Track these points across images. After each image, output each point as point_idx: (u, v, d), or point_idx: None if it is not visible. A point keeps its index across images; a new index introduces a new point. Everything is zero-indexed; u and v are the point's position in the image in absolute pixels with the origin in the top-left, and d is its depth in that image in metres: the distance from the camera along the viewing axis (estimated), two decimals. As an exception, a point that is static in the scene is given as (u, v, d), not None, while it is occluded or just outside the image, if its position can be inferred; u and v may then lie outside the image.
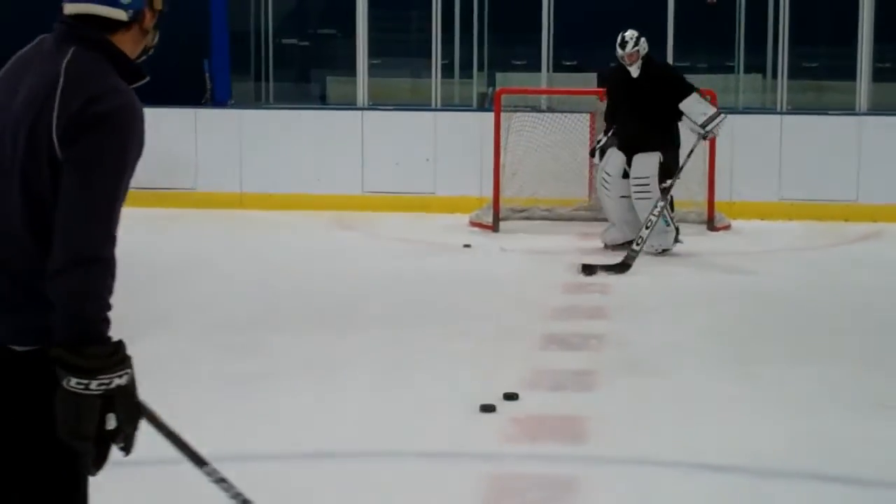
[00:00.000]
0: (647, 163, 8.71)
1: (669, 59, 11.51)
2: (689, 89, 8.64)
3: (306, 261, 8.64)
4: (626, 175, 8.83)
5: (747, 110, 11.52)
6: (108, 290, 2.29)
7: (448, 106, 11.77)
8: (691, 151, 8.67)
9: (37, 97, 2.32)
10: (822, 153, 10.68)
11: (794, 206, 10.61)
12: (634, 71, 8.86)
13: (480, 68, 12.24)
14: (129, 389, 2.36)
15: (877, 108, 11.18)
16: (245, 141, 11.31)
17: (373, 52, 11.68)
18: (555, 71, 11.87)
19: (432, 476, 4.18)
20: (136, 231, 7.97)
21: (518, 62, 12.25)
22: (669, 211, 8.67)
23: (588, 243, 9.36)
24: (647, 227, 8.33)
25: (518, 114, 10.43)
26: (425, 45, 11.79)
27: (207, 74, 11.79)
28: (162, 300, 7.23)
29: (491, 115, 10.24)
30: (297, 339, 6.16)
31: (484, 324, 6.49)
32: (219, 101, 11.72)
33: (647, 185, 8.69)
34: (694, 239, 9.45)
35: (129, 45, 2.47)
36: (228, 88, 11.85)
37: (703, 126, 8.51)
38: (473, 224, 10.12)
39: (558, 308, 6.99)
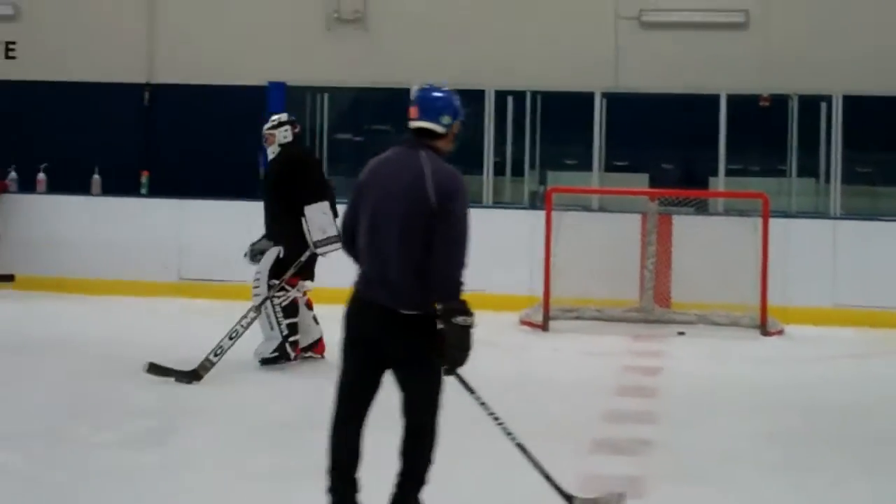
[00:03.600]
0: (265, 258, 8.03)
1: (721, 163, 11.53)
2: (320, 195, 7.89)
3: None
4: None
5: (801, 214, 11.46)
6: (464, 278, 4.32)
7: (499, 203, 11.82)
8: (300, 262, 7.90)
9: (412, 181, 4.34)
10: (877, 258, 10.57)
11: (848, 312, 10.47)
12: (270, 154, 8.25)
13: (532, 166, 12.30)
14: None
15: (931, 215, 11.09)
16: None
17: (426, 149, 11.76)
18: (606, 170, 11.91)
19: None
20: (188, 321, 8.06)
21: (570, 161, 12.31)
22: (279, 314, 7.94)
23: (639, 345, 9.29)
24: (230, 338, 7.58)
25: (569, 212, 10.44)
26: (478, 142, 11.88)
27: (263, 169, 11.95)
28: (204, 392, 7.24)
29: (542, 214, 10.27)
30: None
31: (533, 425, 6.40)
32: (273, 195, 11.83)
33: (258, 281, 8.01)
34: (747, 344, 9.37)
35: (444, 145, 4.54)
36: (283, 182, 11.96)
37: (315, 244, 7.79)
38: (524, 323, 10.08)
39: (609, 411, 6.91)
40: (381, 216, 4.37)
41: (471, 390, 4.56)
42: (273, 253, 8.00)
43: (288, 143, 8.21)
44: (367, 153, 14.33)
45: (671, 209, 10.66)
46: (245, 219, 11.41)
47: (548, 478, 4.59)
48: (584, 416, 6.67)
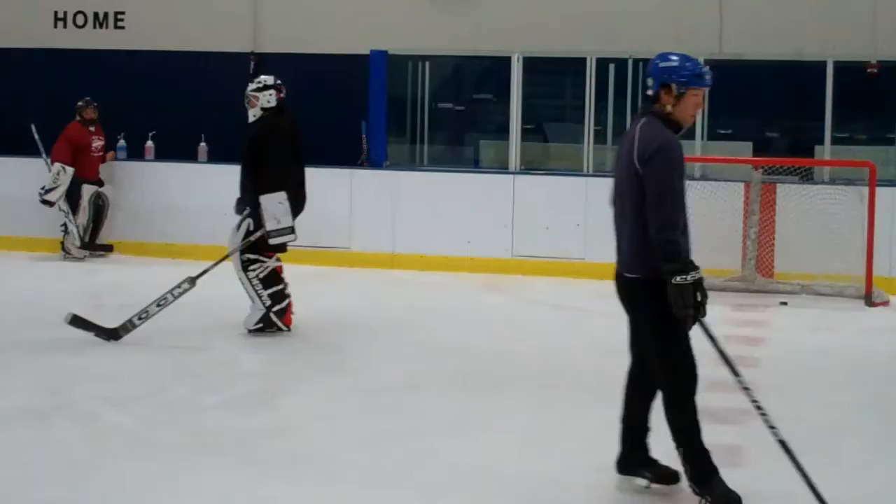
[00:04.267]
0: (236, 234, 7.89)
1: (828, 131, 11.32)
2: (282, 180, 7.73)
3: (454, 322, 8.70)
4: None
5: (908, 183, 11.21)
6: (677, 237, 4.50)
7: (600, 172, 11.78)
8: (249, 241, 7.76)
9: (628, 148, 4.62)
10: None
11: (957, 283, 10.27)
12: (251, 117, 8.05)
13: (633, 135, 12.18)
14: (702, 280, 4.48)
15: None
16: (399, 202, 11.52)
17: (526, 117, 11.79)
18: (709, 139, 11.77)
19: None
20: (290, 287, 8.21)
21: (672, 130, 12.16)
22: (257, 286, 7.81)
23: (741, 315, 9.20)
24: (158, 304, 7.54)
25: (671, 181, 10.33)
26: (579, 111, 11.84)
27: (364, 136, 12.07)
28: (311, 357, 7.37)
29: (643, 183, 10.17)
30: (443, 399, 6.22)
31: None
32: (374, 163, 11.96)
33: (235, 255, 7.88)
34: (851, 314, 9.24)
35: (662, 108, 4.67)
36: (384, 150, 12.09)
37: (269, 233, 7.65)
38: (623, 291, 10.04)
39: (710, 380, 6.86)
40: (615, 186, 4.76)
41: (735, 372, 4.76)
42: (244, 226, 7.86)
43: (270, 108, 8.00)
44: (468, 122, 14.48)
45: (775, 178, 10.51)
46: (348, 186, 11.64)
47: (808, 481, 4.50)
48: (683, 385, 6.63)
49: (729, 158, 11.32)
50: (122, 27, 13.40)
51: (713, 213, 10.32)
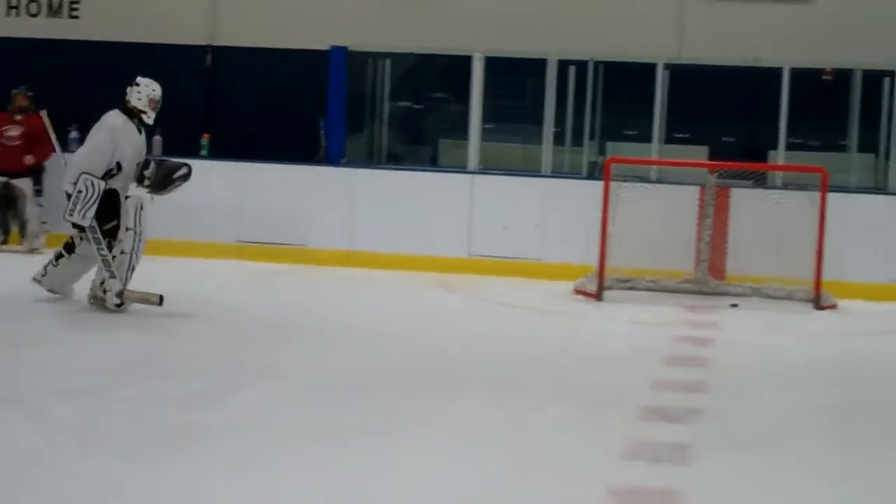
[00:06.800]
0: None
1: (782, 136, 11.46)
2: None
3: (409, 320, 8.73)
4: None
5: (859, 189, 11.38)
6: None
7: (558, 173, 11.85)
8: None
9: None
10: (934, 235, 10.52)
11: (904, 288, 10.46)
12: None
13: (591, 137, 12.30)
14: None
15: None
16: (356, 200, 11.53)
17: (486, 117, 11.84)
18: (666, 142, 11.88)
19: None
20: (245, 284, 8.23)
21: (629, 132, 12.29)
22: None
23: (692, 316, 9.31)
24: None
25: (627, 184, 10.44)
26: (538, 112, 11.90)
27: (323, 133, 12.06)
28: (264, 353, 7.38)
29: (600, 184, 10.28)
30: (396, 398, 6.23)
31: (584, 392, 6.50)
32: (332, 160, 11.96)
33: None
34: (800, 317, 9.36)
35: None
36: (343, 147, 12.09)
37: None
38: (578, 292, 10.13)
39: (660, 380, 6.96)
40: None
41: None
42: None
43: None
44: (427, 121, 14.54)
45: (729, 182, 10.63)
46: (305, 183, 11.62)
47: None
48: (634, 384, 6.71)
49: (685, 162, 11.42)
50: (77, 17, 13.30)
51: (668, 216, 10.42)
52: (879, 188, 11.47)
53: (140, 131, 8.57)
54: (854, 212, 10.56)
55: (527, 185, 11.43)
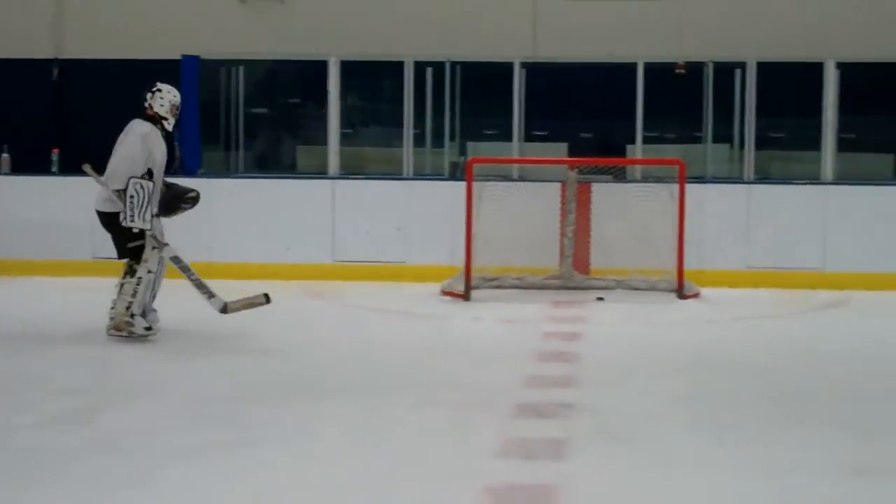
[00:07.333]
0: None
1: (639, 131, 11.64)
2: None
3: (275, 330, 8.58)
4: None
5: (716, 179, 11.62)
6: None
7: (420, 175, 11.81)
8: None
9: None
10: (789, 222, 10.83)
11: (761, 274, 10.72)
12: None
13: (452, 138, 12.29)
14: None
15: (842, 178, 11.30)
16: (214, 210, 11.28)
17: (344, 121, 11.74)
18: (526, 141, 11.95)
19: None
20: (106, 298, 7.97)
21: (489, 132, 12.32)
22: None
23: (560, 312, 9.36)
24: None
25: (489, 183, 10.46)
26: (397, 114, 11.85)
27: (177, 144, 11.80)
28: (134, 371, 7.16)
29: (462, 185, 10.28)
30: (267, 408, 6.10)
31: (455, 392, 6.45)
32: (189, 170, 11.70)
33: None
34: (664, 307, 9.49)
35: None
36: (199, 157, 11.85)
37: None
38: (445, 293, 10.11)
39: (530, 376, 6.96)
40: None
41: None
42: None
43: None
44: (284, 127, 14.38)
45: (590, 177, 10.74)
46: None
47: None
48: (505, 382, 6.70)
49: (545, 159, 11.51)
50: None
51: (531, 214, 10.48)
52: (735, 177, 11.71)
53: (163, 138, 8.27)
54: (712, 201, 10.78)
55: (389, 188, 11.37)
